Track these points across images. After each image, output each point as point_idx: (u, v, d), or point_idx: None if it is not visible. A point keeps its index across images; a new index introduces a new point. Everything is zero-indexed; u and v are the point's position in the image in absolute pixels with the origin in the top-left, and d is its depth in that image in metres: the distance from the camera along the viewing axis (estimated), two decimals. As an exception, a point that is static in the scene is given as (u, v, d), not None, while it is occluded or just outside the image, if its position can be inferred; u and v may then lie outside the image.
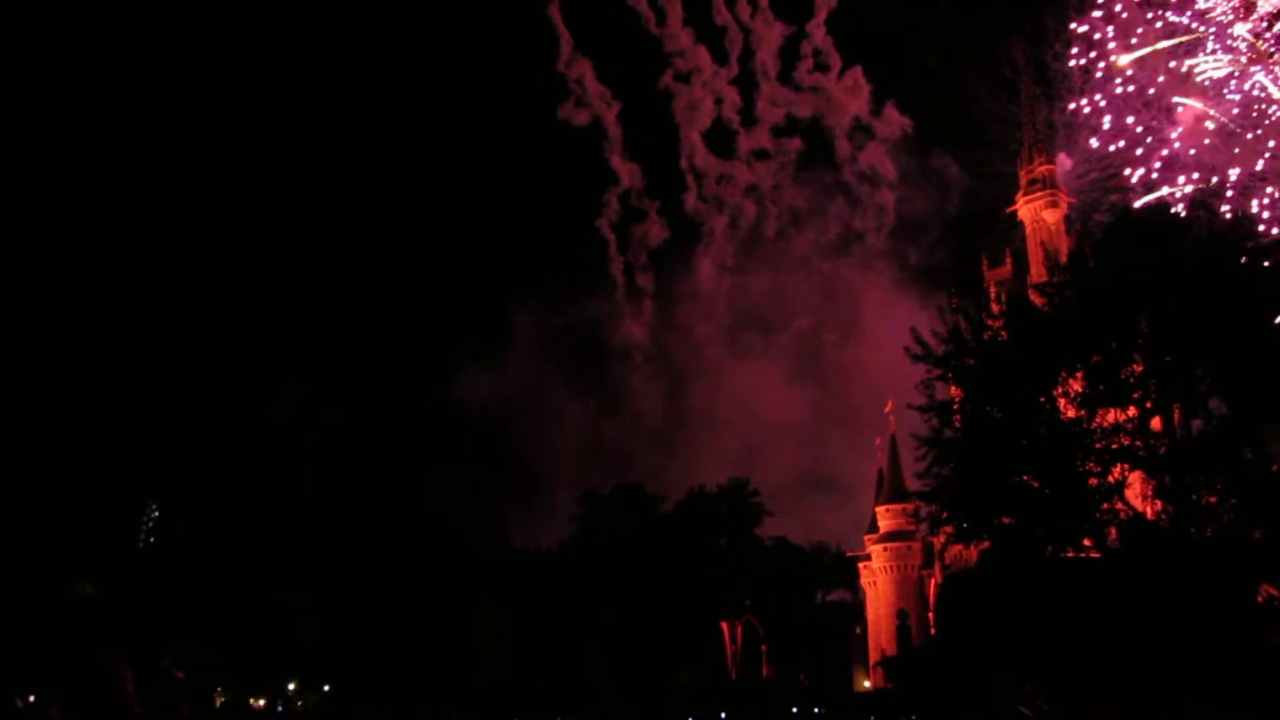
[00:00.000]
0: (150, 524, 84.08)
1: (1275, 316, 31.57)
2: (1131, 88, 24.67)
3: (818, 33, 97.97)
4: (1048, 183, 64.80)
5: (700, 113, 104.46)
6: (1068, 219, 63.94)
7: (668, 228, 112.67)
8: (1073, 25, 25.98)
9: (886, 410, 68.46)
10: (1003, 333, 36.72)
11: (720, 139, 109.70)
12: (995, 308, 41.05)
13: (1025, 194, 65.47)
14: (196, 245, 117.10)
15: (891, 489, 66.99)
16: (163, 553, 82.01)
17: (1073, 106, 25.84)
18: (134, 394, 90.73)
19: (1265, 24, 22.81)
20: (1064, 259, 40.02)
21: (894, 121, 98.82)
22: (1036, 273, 55.35)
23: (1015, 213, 65.97)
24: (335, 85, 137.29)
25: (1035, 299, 40.36)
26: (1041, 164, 65.50)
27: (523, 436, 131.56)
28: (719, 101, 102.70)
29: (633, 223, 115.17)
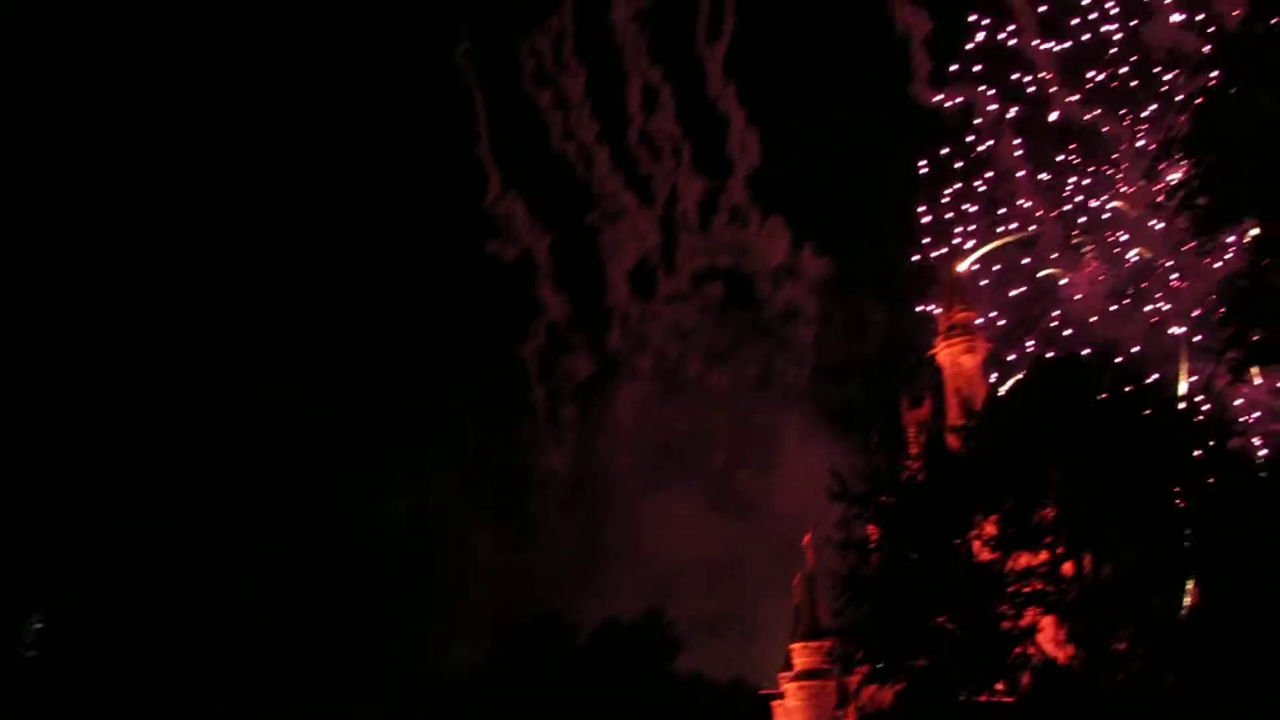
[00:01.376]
0: (34, 636, 79.62)
1: (1181, 466, 32.65)
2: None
3: (737, 188, 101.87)
4: (966, 329, 66.73)
5: (625, 253, 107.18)
6: (985, 364, 65.81)
7: (592, 361, 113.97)
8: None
9: (804, 545, 68.47)
10: (920, 474, 37.27)
11: (645, 278, 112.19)
12: (913, 449, 41.74)
13: (945, 339, 67.24)
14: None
15: (807, 626, 66.39)
16: (47, 668, 77.62)
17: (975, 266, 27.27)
18: (25, 499, 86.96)
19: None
20: (979, 404, 41.01)
21: (813, 266, 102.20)
22: (953, 416, 56.50)
23: (934, 356, 67.67)
24: (264, 210, 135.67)
25: (952, 442, 41.16)
26: (960, 310, 67.61)
27: (437, 563, 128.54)
28: (644, 244, 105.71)
29: (558, 354, 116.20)
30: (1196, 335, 52.11)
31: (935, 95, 71.47)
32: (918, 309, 71.24)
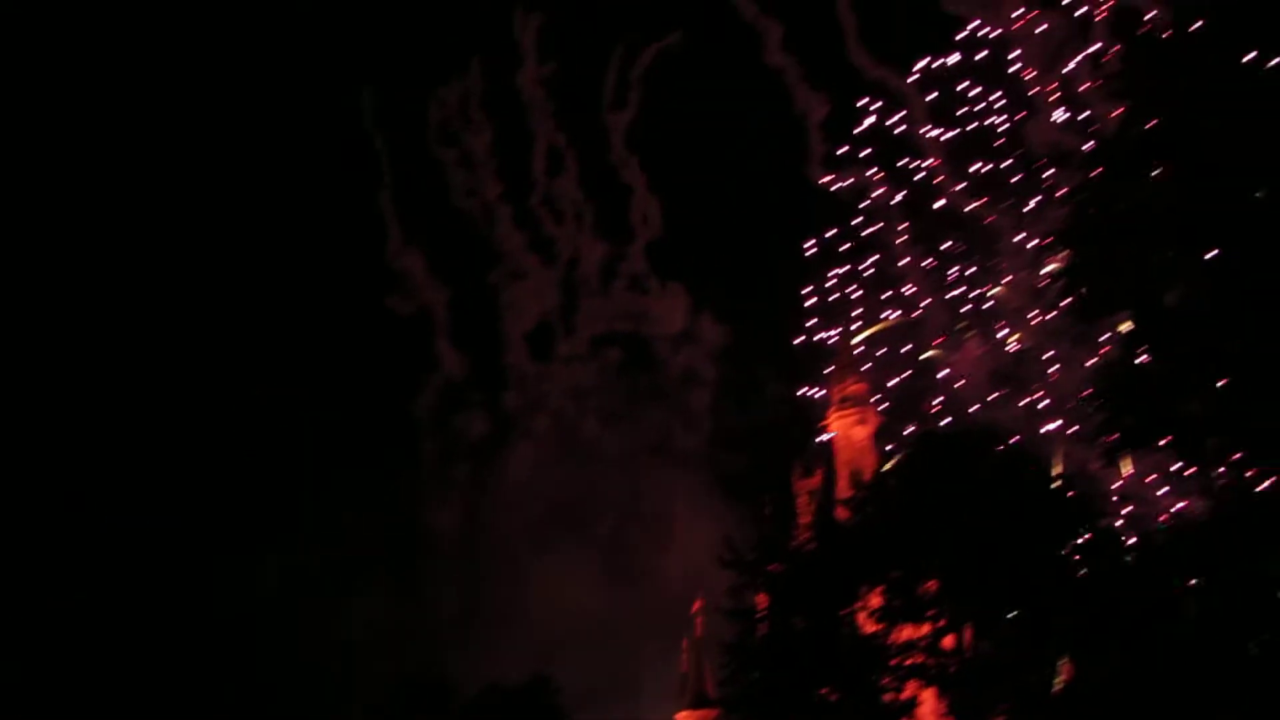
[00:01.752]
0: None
1: (1057, 546, 33.60)
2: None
3: (638, 255, 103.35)
4: (858, 401, 68.20)
5: (525, 313, 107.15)
6: (875, 437, 67.19)
7: (487, 420, 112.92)
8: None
9: (693, 613, 68.30)
10: (809, 544, 37.68)
11: (544, 339, 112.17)
12: (804, 518, 42.28)
13: (837, 410, 68.59)
14: None
15: (694, 695, 65.97)
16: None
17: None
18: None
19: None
20: (868, 476, 41.79)
21: (711, 333, 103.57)
22: (843, 487, 57.46)
23: (826, 427, 68.87)
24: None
25: (841, 513, 41.76)
26: (853, 383, 69.10)
27: (315, 622, 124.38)
28: (544, 305, 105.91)
29: (452, 412, 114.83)
30: (1072, 426, 54.30)
31: (827, 176, 73.75)
32: (809, 384, 72.59)
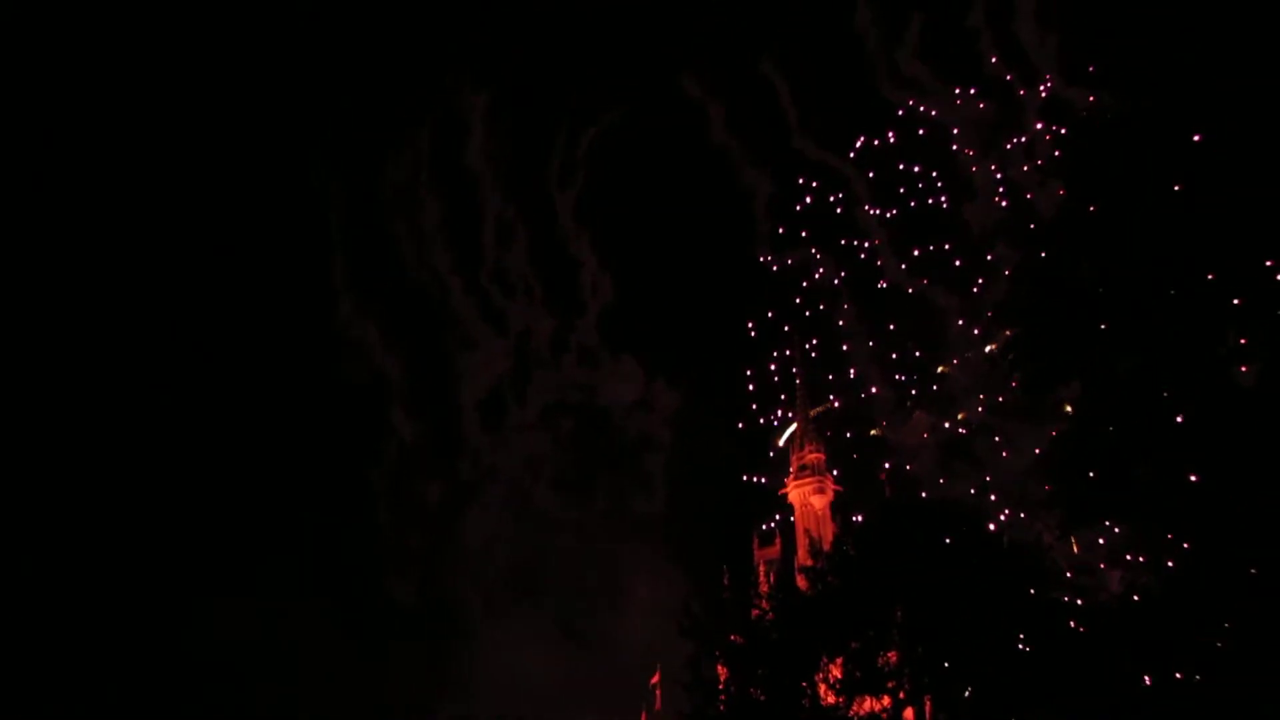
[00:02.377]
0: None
1: (1013, 615, 33.83)
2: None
3: (589, 326, 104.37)
4: (816, 469, 68.71)
5: (478, 382, 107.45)
6: (833, 505, 67.51)
7: (442, 487, 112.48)
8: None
9: (653, 683, 67.66)
10: (769, 614, 37.60)
11: (497, 407, 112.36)
12: (764, 588, 42.19)
13: (795, 479, 69.00)
14: None
15: (655, 768, 65.16)
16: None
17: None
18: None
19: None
20: (828, 545, 41.91)
21: (665, 401, 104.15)
22: (802, 556, 57.52)
23: (786, 495, 69.18)
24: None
25: (800, 582, 41.78)
26: (811, 452, 69.60)
27: (271, 690, 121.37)
28: (496, 374, 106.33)
29: (407, 479, 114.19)
30: (1025, 499, 55.02)
31: (768, 256, 74.88)
32: (758, 465, 72.93)
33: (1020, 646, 29.76)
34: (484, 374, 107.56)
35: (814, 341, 72.62)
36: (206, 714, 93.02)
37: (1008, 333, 26.31)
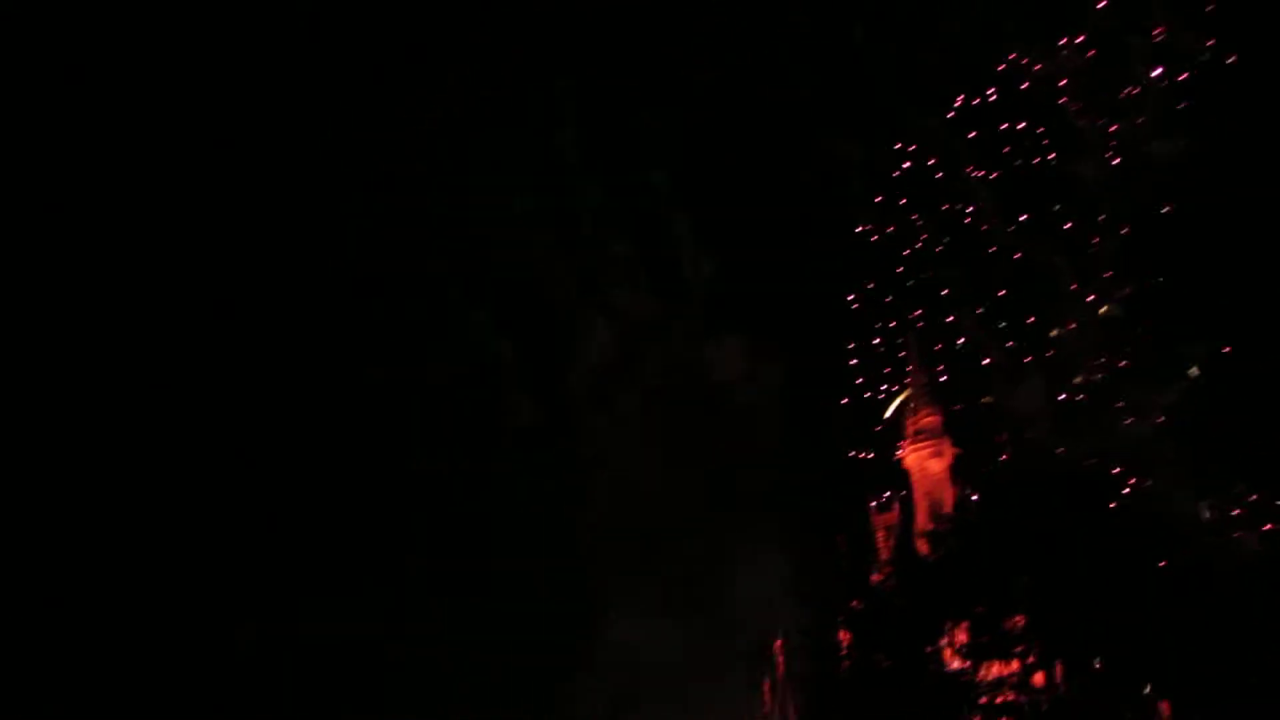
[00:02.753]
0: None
1: (1149, 572, 33.04)
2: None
3: (690, 308, 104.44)
4: (933, 433, 67.51)
5: (585, 367, 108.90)
6: (952, 469, 66.33)
7: (555, 468, 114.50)
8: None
9: (774, 651, 67.83)
10: (890, 579, 37.47)
11: (605, 389, 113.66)
12: (883, 554, 42.04)
13: (912, 443, 67.98)
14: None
15: (778, 734, 65.42)
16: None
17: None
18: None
19: None
20: (948, 509, 41.45)
21: (772, 373, 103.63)
22: (922, 521, 56.88)
23: (901, 461, 68.26)
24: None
25: (921, 547, 41.47)
26: (926, 415, 68.45)
27: (389, 668, 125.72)
28: (604, 355, 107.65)
29: (520, 464, 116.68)
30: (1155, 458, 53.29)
31: (868, 224, 73.31)
32: (877, 422, 72.00)
33: (1155, 610, 29.10)
34: (590, 357, 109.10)
35: (920, 311, 71.37)
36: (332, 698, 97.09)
37: (1128, 290, 25.53)
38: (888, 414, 68.67)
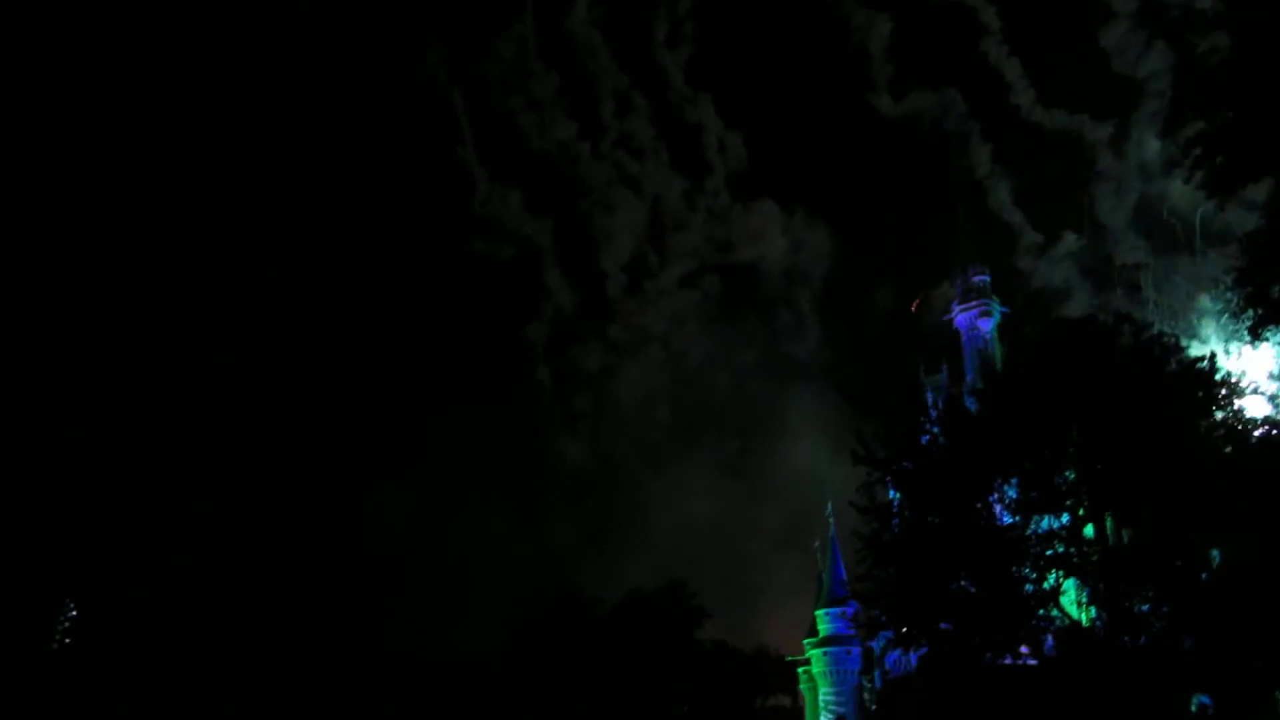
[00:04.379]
0: (67, 624, 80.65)
1: (1200, 426, 32.64)
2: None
3: (719, 183, 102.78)
4: (982, 292, 66.68)
5: (619, 245, 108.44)
6: (1001, 327, 65.68)
7: (599, 345, 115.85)
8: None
9: (826, 513, 68.73)
10: (940, 437, 37.22)
11: (641, 267, 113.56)
12: (933, 414, 41.71)
13: (961, 302, 67.23)
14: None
15: (831, 592, 66.78)
16: (80, 656, 78.71)
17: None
18: (50, 487, 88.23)
19: None
20: (998, 367, 40.94)
21: (815, 241, 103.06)
22: (972, 380, 56.58)
23: (951, 321, 67.65)
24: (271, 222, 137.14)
25: (971, 404, 41.16)
26: (976, 274, 67.48)
27: (449, 550, 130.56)
28: (636, 235, 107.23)
29: (564, 340, 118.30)
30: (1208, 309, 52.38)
31: (901, 100, 71.58)
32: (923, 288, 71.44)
33: (1206, 459, 28.78)
34: (624, 236, 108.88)
35: (956, 181, 69.98)
36: (395, 580, 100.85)
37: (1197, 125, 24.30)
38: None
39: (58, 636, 79.08)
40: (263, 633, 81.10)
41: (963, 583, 34.36)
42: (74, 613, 79.74)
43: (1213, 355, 34.86)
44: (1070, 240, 68.26)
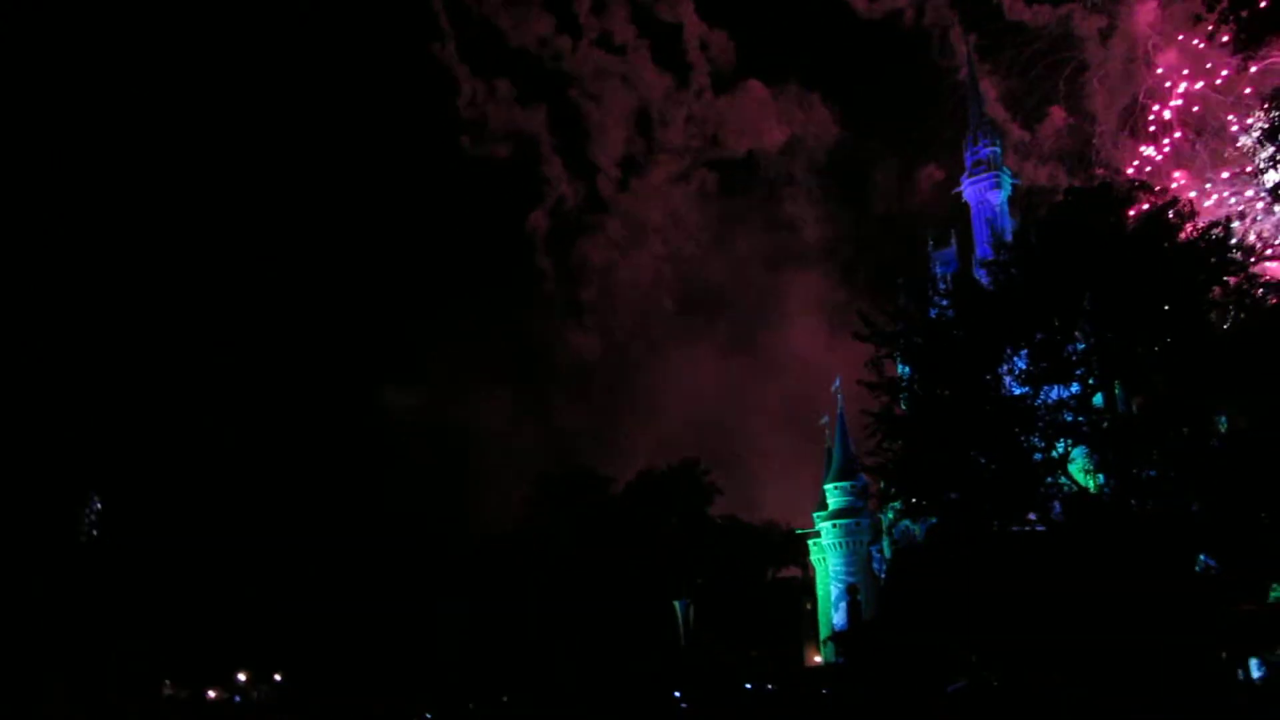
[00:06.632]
0: (93, 517, 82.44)
1: (1212, 293, 32.45)
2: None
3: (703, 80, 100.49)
4: (992, 164, 65.57)
5: (613, 141, 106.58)
6: (1012, 200, 64.86)
7: (601, 239, 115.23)
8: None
9: (834, 389, 69.12)
10: (949, 311, 37.07)
11: (635, 159, 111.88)
12: (942, 287, 41.44)
13: (970, 175, 66.20)
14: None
15: (840, 466, 67.60)
16: (106, 546, 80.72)
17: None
18: (73, 385, 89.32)
19: None
20: (1009, 239, 40.50)
21: (825, 117, 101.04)
22: (982, 253, 56.08)
23: (960, 194, 66.72)
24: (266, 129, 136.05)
25: (981, 277, 40.87)
26: (986, 146, 66.27)
27: (469, 432, 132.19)
28: (627, 129, 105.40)
29: (565, 235, 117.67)
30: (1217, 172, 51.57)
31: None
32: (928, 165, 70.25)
33: (1214, 326, 28.65)
34: (614, 131, 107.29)
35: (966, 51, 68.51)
36: (409, 466, 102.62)
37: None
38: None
39: (85, 529, 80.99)
40: (279, 519, 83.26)
41: (971, 453, 34.68)
42: (99, 505, 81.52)
43: (1227, 220, 34.40)
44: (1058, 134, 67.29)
